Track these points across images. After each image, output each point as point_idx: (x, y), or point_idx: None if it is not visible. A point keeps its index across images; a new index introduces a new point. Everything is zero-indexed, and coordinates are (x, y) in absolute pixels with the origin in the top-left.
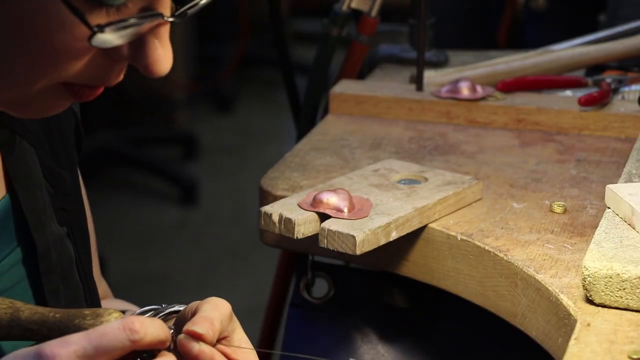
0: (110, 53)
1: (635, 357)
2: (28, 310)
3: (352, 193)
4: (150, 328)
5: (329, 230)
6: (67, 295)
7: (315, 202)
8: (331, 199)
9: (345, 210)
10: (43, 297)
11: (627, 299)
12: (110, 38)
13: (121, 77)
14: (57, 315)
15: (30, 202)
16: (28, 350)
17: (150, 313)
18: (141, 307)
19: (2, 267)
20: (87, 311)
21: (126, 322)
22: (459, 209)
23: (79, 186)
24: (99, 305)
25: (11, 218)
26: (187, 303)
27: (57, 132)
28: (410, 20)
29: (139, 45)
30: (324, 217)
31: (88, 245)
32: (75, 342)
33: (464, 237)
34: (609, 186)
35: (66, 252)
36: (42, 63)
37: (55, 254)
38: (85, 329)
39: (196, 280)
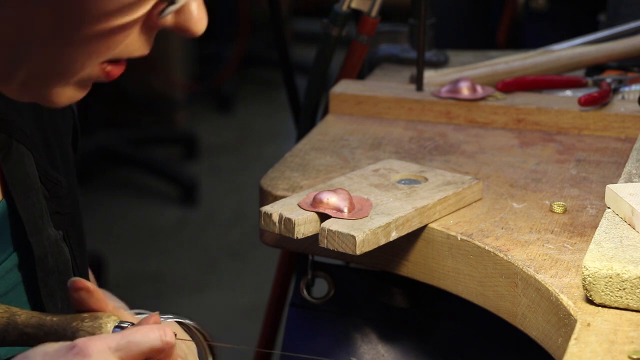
0: (153, 22)
1: (635, 357)
2: (25, 314)
3: (352, 193)
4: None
5: (329, 230)
6: (64, 299)
7: (315, 202)
8: (331, 199)
9: (345, 210)
10: (39, 302)
11: (627, 299)
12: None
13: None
14: (55, 319)
15: (26, 207)
16: (59, 344)
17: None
18: (140, 307)
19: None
20: (85, 314)
21: (161, 326)
22: (459, 209)
23: (76, 189)
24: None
25: (7, 223)
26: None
27: (52, 135)
28: (410, 20)
29: (180, 10)
30: (324, 217)
31: (84, 248)
32: (108, 337)
33: (464, 237)
34: (609, 186)
35: (62, 255)
36: (97, 44)
37: (52, 258)
38: (83, 331)
39: (196, 280)
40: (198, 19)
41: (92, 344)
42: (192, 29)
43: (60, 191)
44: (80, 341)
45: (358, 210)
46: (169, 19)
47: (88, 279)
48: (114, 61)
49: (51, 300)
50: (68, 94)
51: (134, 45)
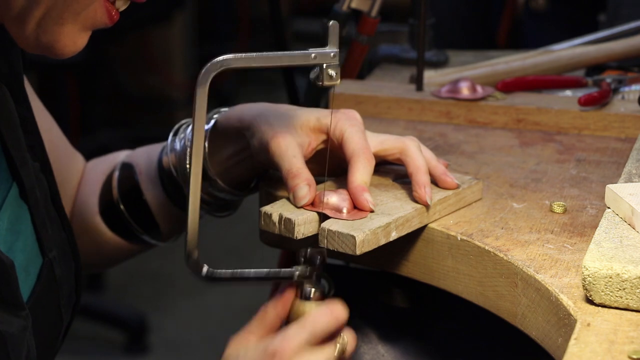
0: None
1: (635, 357)
2: None
3: None
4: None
5: (329, 230)
6: (52, 228)
7: (315, 202)
8: (331, 199)
9: (345, 210)
10: (37, 229)
11: (627, 299)
12: None
13: None
14: None
15: (14, 141)
16: (255, 347)
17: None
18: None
19: (9, 200)
20: None
21: (332, 308)
22: (459, 209)
23: (36, 123)
24: (72, 233)
25: (3, 156)
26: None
27: (10, 71)
28: (410, 20)
29: None
30: (324, 217)
31: (54, 179)
32: (294, 336)
33: (464, 237)
34: (609, 186)
35: (43, 186)
36: None
37: (38, 189)
38: None
39: (196, 281)
40: None
41: (286, 345)
42: None
43: (29, 126)
44: (271, 346)
45: (358, 210)
46: None
47: (63, 208)
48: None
49: (44, 229)
50: (74, 37)
51: None
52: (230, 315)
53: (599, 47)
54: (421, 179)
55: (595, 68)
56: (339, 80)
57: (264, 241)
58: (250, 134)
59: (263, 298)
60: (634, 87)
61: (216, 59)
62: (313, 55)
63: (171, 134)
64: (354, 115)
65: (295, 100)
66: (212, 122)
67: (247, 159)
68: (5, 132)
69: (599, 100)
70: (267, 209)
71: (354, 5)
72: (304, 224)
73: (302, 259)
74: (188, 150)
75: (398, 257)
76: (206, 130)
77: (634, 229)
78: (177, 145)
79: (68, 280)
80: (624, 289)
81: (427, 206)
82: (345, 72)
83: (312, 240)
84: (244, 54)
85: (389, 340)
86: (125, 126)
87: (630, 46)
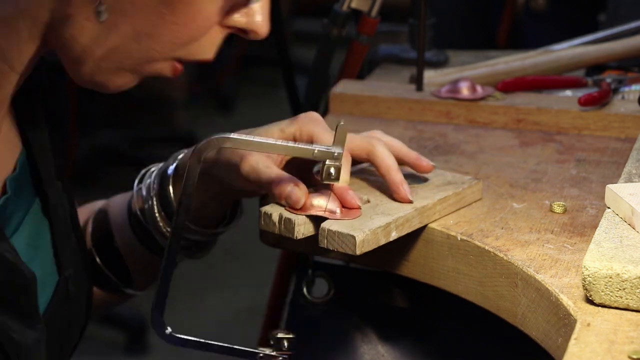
0: (228, 22)
1: (635, 357)
2: None
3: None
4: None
5: (329, 230)
6: (70, 247)
7: (306, 206)
8: (321, 201)
9: (338, 211)
10: (55, 246)
11: (627, 299)
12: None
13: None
14: None
15: (43, 158)
16: None
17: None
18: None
19: (31, 215)
20: None
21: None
22: (459, 209)
23: (63, 143)
24: (87, 255)
25: (28, 171)
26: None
27: (55, 116)
28: (410, 20)
29: (249, 12)
30: (320, 218)
31: (74, 199)
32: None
33: (464, 237)
34: (609, 186)
35: (64, 206)
36: (186, 35)
37: (61, 208)
38: None
39: (196, 281)
40: (264, 21)
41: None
42: (260, 30)
43: (54, 143)
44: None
45: (349, 209)
46: (241, 20)
47: (81, 229)
48: (179, 61)
49: (62, 248)
50: (125, 81)
51: (205, 46)
52: (230, 316)
53: (599, 47)
54: (395, 178)
55: (595, 68)
56: (339, 180)
57: (264, 241)
58: (218, 169)
59: (263, 299)
60: (634, 87)
61: (215, 136)
62: (316, 150)
63: (136, 181)
64: (316, 116)
65: (295, 101)
66: (172, 167)
67: (214, 196)
68: (36, 148)
69: (599, 100)
70: (267, 209)
71: (354, 5)
72: (304, 224)
73: (271, 342)
74: (154, 199)
75: (398, 257)
76: (169, 175)
77: (634, 229)
78: (143, 192)
79: (80, 300)
80: (624, 289)
81: (410, 203)
82: (345, 72)
83: (312, 239)
84: (245, 136)
85: (389, 340)
86: (125, 126)
87: (630, 46)
